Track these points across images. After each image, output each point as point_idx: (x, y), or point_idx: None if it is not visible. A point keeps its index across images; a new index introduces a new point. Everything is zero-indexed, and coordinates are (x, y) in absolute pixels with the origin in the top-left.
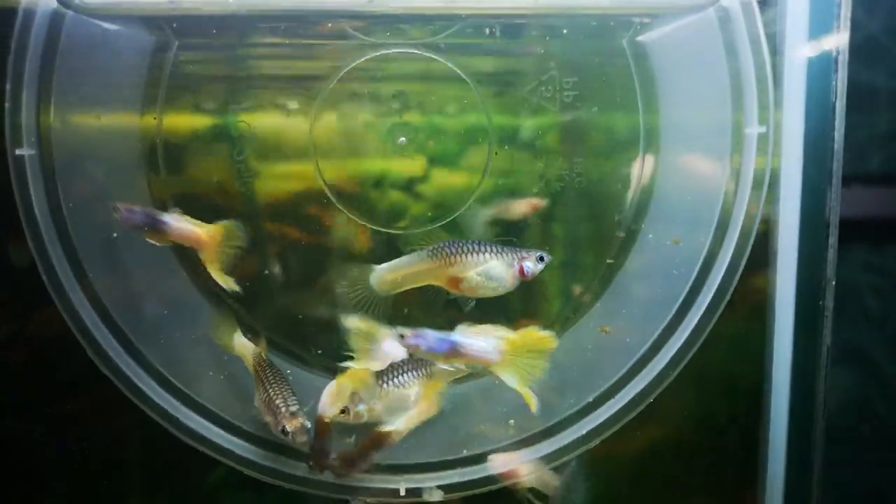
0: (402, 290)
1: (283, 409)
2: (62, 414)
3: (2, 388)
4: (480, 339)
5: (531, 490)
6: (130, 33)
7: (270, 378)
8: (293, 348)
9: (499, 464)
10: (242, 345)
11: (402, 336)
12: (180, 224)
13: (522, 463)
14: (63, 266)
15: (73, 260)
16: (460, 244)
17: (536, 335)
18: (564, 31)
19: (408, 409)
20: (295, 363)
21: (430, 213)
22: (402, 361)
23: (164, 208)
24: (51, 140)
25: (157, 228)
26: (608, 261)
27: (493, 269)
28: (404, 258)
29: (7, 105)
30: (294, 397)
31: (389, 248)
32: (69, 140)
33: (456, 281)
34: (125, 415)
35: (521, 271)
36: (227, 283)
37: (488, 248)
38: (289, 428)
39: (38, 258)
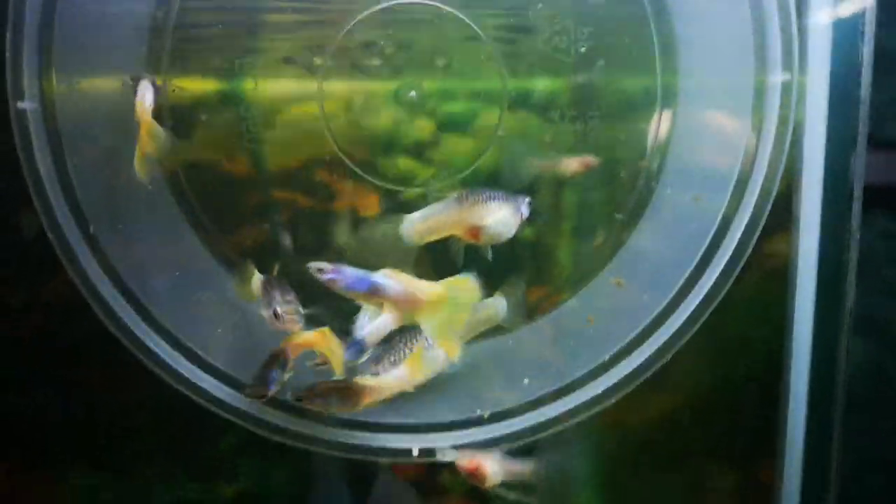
0: (428, 241)
1: (279, 298)
2: (71, 382)
3: (11, 357)
4: (402, 283)
5: (502, 485)
6: None
7: (275, 285)
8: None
9: (464, 462)
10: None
11: (319, 270)
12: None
13: (485, 461)
14: (71, 227)
15: (80, 220)
16: (480, 192)
17: (460, 284)
18: None
19: (439, 369)
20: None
21: (440, 172)
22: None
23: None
24: (53, 96)
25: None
26: (618, 216)
27: (507, 216)
28: (434, 205)
29: (7, 55)
30: (293, 298)
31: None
32: (73, 96)
33: (476, 230)
34: (134, 382)
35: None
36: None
37: (499, 195)
38: (280, 310)
39: (45, 219)
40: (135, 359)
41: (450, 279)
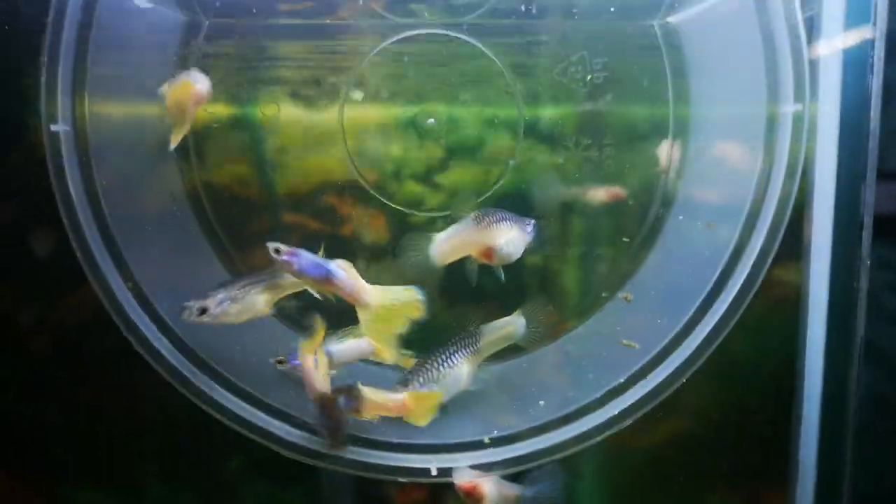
0: (451, 261)
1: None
2: (80, 399)
3: (25, 374)
4: (352, 278)
5: None
6: (163, 12)
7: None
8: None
9: (462, 482)
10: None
11: (276, 251)
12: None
13: (483, 480)
14: (98, 246)
15: (108, 239)
16: (494, 212)
17: (405, 294)
18: (593, 11)
19: (462, 388)
20: None
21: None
22: (451, 342)
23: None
24: (85, 118)
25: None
26: (624, 239)
27: (516, 237)
28: (456, 225)
29: (43, 79)
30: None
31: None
32: (102, 118)
33: (489, 251)
34: (145, 402)
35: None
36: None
37: (510, 217)
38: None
39: (73, 236)
40: (144, 378)
41: (397, 287)
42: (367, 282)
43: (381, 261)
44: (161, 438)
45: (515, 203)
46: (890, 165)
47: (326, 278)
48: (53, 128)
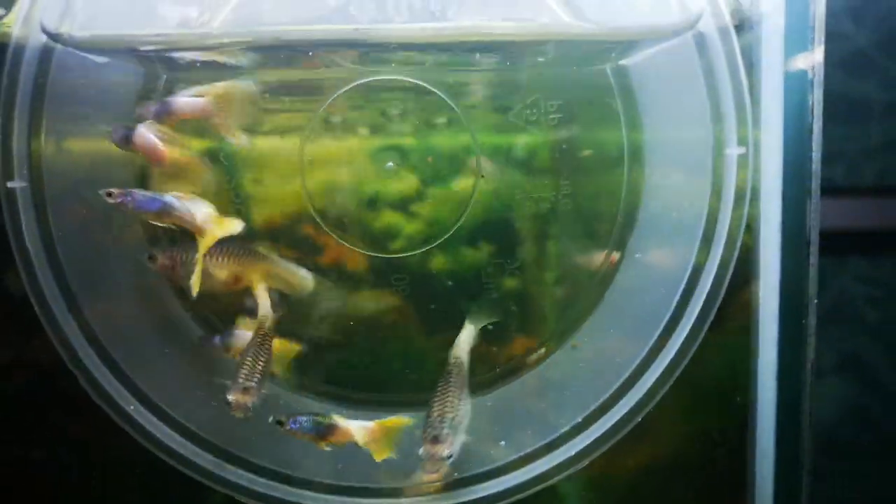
0: None
1: (241, 380)
2: (61, 438)
3: (2, 412)
4: (190, 206)
5: None
6: (119, 65)
7: (256, 347)
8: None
9: None
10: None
11: (108, 195)
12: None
13: None
14: (54, 295)
15: (63, 288)
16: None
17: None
18: (547, 57)
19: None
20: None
21: (422, 234)
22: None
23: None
24: (41, 171)
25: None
26: (591, 271)
27: None
28: None
29: None
30: (260, 373)
31: (385, 268)
32: (60, 169)
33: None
34: (122, 439)
35: None
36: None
37: None
38: (231, 398)
39: (30, 288)
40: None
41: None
42: None
43: (359, 290)
44: (144, 472)
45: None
46: (864, 181)
47: (165, 210)
48: (10, 184)
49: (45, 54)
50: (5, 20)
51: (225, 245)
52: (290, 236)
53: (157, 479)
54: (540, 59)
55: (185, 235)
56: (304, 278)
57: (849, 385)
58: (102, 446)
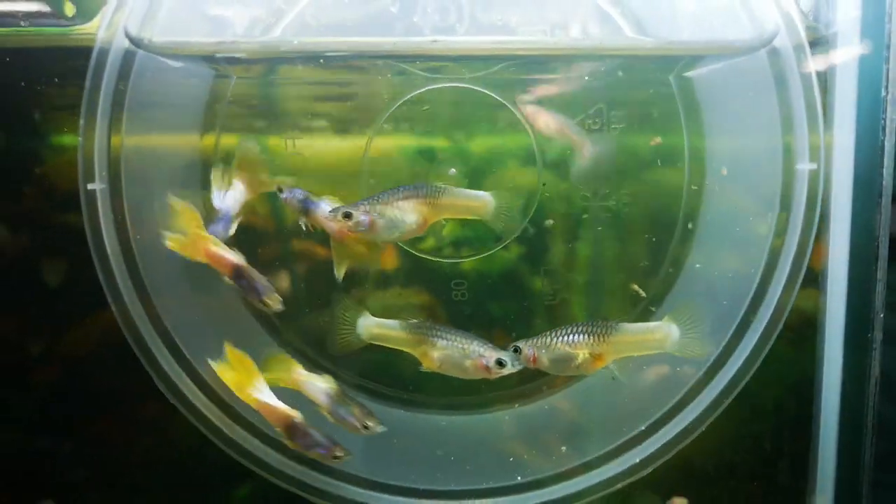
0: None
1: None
2: (90, 432)
3: (32, 406)
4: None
5: None
6: (193, 69)
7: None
8: (325, 363)
9: None
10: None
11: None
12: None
13: None
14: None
15: (139, 288)
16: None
17: None
18: (612, 69)
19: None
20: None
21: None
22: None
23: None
24: (120, 171)
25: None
26: (641, 293)
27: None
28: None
29: (80, 139)
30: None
31: (418, 268)
32: (136, 167)
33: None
34: (151, 435)
35: (483, 366)
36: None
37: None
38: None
39: (107, 288)
40: (147, 412)
41: None
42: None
43: (388, 288)
44: (168, 465)
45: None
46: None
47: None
48: (90, 186)
49: (127, 59)
50: (85, 27)
51: (404, 190)
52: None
53: (181, 474)
54: (602, 69)
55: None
56: (487, 202)
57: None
58: (128, 440)
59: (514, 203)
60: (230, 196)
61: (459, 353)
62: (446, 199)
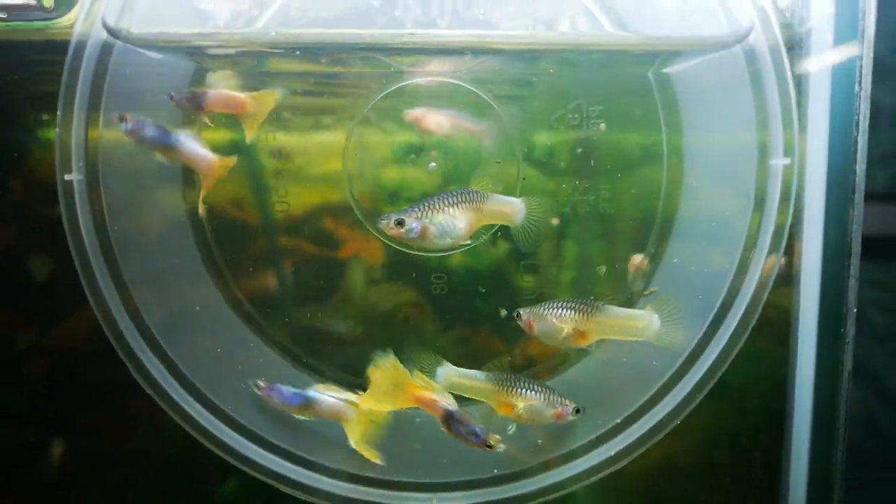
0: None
1: None
2: (79, 425)
3: (19, 399)
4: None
5: None
6: (172, 61)
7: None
8: (311, 361)
9: None
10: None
11: (121, 118)
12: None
13: None
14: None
15: (116, 279)
16: (519, 380)
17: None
18: (591, 64)
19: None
20: (312, 375)
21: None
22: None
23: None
24: (97, 162)
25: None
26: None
27: (540, 407)
28: (473, 372)
29: (57, 130)
30: None
31: (404, 264)
32: (114, 159)
33: (508, 406)
34: (138, 428)
35: (564, 415)
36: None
37: (538, 388)
38: None
39: (84, 279)
40: (135, 407)
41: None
42: None
43: (377, 283)
44: (154, 460)
45: None
46: (875, 187)
47: (172, 145)
48: (67, 177)
49: (105, 50)
50: (64, 19)
51: (453, 195)
52: (313, 228)
53: (168, 468)
54: (582, 64)
55: None
56: (518, 208)
57: (854, 391)
58: (116, 434)
59: (545, 210)
60: None
61: (544, 403)
62: (490, 204)
